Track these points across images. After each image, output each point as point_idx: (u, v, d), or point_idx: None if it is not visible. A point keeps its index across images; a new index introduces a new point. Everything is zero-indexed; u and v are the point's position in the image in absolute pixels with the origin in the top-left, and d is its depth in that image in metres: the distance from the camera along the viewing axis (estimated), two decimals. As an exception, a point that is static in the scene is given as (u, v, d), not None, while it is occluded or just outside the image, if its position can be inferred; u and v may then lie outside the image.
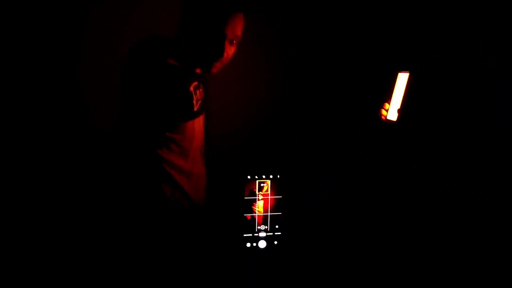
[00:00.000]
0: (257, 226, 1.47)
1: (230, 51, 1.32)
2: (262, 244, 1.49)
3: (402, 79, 1.56)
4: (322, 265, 1.76)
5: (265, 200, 1.47)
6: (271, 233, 1.49)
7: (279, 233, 1.51)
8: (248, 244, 1.48)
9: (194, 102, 1.30)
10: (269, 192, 1.47)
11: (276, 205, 1.50)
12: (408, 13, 1.88)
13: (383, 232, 1.86)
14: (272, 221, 1.49)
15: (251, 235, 1.48)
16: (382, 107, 1.64)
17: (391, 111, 1.59)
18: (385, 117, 1.62)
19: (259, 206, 1.47)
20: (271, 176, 1.47)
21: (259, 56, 1.90)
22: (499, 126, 1.69)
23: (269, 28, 1.93)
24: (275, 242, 1.51)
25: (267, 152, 1.92)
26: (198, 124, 1.38)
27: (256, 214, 1.46)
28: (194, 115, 1.33)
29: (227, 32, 1.26)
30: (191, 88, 1.29)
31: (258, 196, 1.47)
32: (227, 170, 1.63)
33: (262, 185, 1.47)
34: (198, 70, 1.38)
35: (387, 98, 1.62)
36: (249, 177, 1.44)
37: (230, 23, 1.25)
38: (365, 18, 1.95)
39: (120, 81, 1.34)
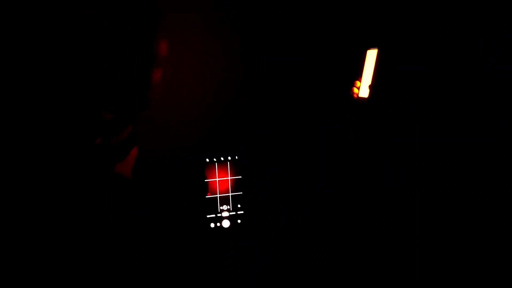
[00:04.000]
0: (220, 206, 1.56)
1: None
2: (225, 223, 1.57)
3: (371, 56, 1.61)
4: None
5: (225, 181, 1.56)
6: (234, 213, 1.57)
7: (242, 212, 1.58)
8: (212, 225, 1.57)
9: None
10: (228, 173, 1.56)
11: (236, 185, 1.58)
12: (408, 13, 1.89)
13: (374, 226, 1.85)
14: (234, 201, 1.57)
15: (214, 215, 1.56)
16: (353, 85, 1.68)
17: (362, 88, 1.64)
18: (357, 95, 1.66)
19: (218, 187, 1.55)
20: (229, 158, 1.56)
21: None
22: (499, 126, 1.68)
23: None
24: (239, 221, 1.59)
25: (226, 134, 1.98)
26: None
27: (217, 195, 1.55)
28: None
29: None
30: None
31: (216, 178, 1.55)
32: (187, 154, 1.66)
33: (218, 166, 1.55)
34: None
35: (358, 76, 1.66)
36: (207, 159, 1.53)
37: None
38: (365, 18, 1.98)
39: None
